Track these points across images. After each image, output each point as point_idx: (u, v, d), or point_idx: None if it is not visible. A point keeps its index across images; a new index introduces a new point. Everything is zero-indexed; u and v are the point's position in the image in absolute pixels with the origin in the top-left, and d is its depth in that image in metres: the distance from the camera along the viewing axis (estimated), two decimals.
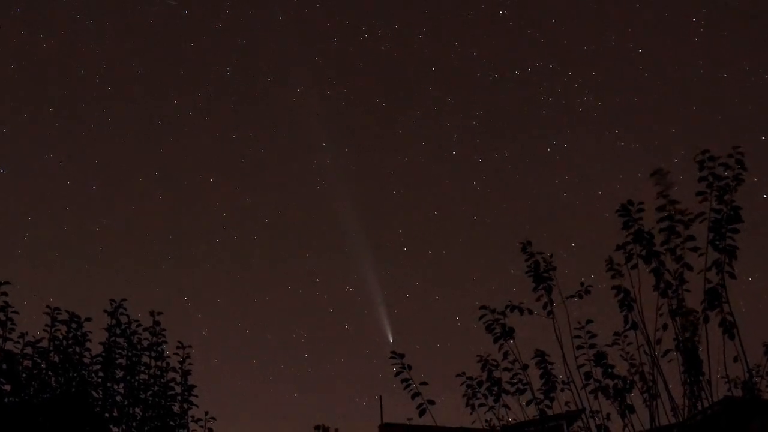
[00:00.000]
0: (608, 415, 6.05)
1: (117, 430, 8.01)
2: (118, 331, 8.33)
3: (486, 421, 6.43)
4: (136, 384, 8.28)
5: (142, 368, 8.37)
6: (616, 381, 6.00)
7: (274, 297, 27.04)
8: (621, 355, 6.06)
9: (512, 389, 6.38)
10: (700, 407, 5.56)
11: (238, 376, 26.29)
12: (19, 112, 26.71)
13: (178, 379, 8.54)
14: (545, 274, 6.32)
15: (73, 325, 8.15)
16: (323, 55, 27.32)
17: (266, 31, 26.80)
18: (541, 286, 6.30)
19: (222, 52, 27.27)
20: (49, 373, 8.00)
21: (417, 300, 25.48)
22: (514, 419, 6.38)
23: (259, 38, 27.26)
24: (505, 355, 6.38)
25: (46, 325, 8.11)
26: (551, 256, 6.35)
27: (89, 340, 8.23)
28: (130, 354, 8.34)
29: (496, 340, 6.37)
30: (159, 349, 8.46)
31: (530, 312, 6.30)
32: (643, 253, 5.86)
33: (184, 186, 27.52)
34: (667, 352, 5.74)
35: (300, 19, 26.60)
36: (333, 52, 26.89)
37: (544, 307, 6.24)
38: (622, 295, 5.92)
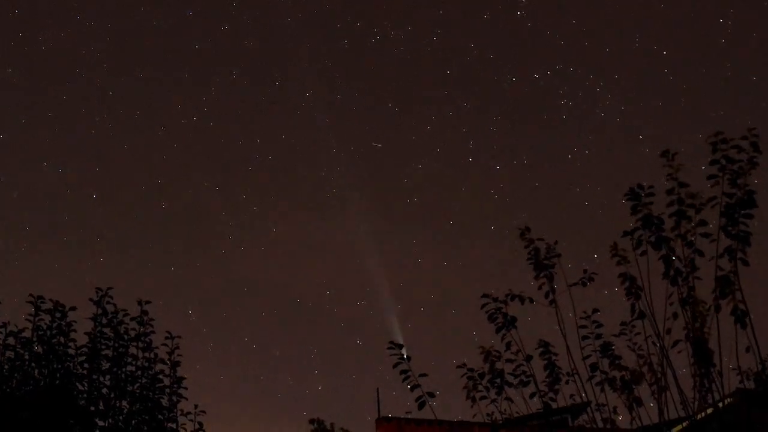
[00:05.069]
0: (615, 408, 5.93)
1: (103, 423, 7.89)
2: (104, 321, 8.16)
3: (487, 414, 6.25)
4: (123, 376, 8.14)
5: (130, 360, 8.24)
6: (623, 372, 5.83)
7: (282, 310, 26.42)
8: (629, 346, 5.89)
9: (515, 381, 6.21)
10: (710, 400, 5.41)
11: (243, 391, 25.79)
12: (18, 117, 26.16)
13: (167, 371, 8.35)
14: (546, 261, 6.14)
15: (58, 315, 8.01)
16: (333, 57, 26.67)
17: (274, 33, 26.23)
18: (542, 273, 6.12)
19: (228, 55, 26.63)
20: (32, 364, 7.88)
21: (432, 314, 24.81)
22: (518, 412, 6.21)
23: (267, 40, 26.66)
24: (508, 345, 6.20)
25: (30, 314, 7.96)
26: (556, 243, 6.19)
27: (74, 330, 8.12)
28: (116, 345, 8.19)
29: (498, 330, 6.20)
30: (147, 339, 8.27)
31: (531, 301, 6.15)
32: (653, 239, 5.68)
33: (189, 194, 26.89)
34: (676, 342, 5.57)
35: (309, 21, 26.02)
36: (343, 54, 26.31)
37: (546, 295, 6.08)
38: (628, 282, 5.76)
